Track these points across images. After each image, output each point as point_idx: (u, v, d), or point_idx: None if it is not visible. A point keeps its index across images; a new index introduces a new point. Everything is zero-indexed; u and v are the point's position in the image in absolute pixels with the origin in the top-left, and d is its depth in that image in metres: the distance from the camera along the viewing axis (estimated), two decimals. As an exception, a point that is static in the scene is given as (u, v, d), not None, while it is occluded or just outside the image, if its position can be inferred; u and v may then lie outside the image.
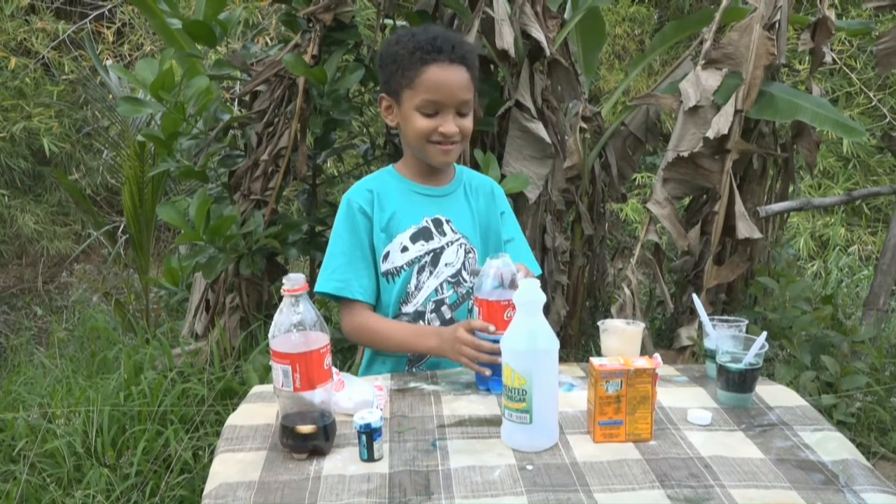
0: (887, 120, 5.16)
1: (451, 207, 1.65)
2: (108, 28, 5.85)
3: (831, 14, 3.02)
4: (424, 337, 1.53)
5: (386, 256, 1.60)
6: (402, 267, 1.60)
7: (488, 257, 1.43)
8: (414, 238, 1.60)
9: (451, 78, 1.51)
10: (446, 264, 1.62)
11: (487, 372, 1.40)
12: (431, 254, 1.61)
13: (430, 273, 1.60)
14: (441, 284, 1.61)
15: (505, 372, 1.19)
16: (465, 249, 1.64)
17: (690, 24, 3.47)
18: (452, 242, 1.62)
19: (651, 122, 3.59)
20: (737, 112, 2.83)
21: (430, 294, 1.61)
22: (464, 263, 1.63)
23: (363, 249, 1.60)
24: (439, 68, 1.50)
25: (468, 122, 1.56)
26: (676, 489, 1.08)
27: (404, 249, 1.59)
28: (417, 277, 1.60)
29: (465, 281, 1.64)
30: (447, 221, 1.63)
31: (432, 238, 1.61)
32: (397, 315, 1.62)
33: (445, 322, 1.62)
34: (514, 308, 1.25)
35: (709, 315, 1.50)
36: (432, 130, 1.53)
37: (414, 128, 1.54)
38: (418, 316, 1.62)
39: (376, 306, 1.63)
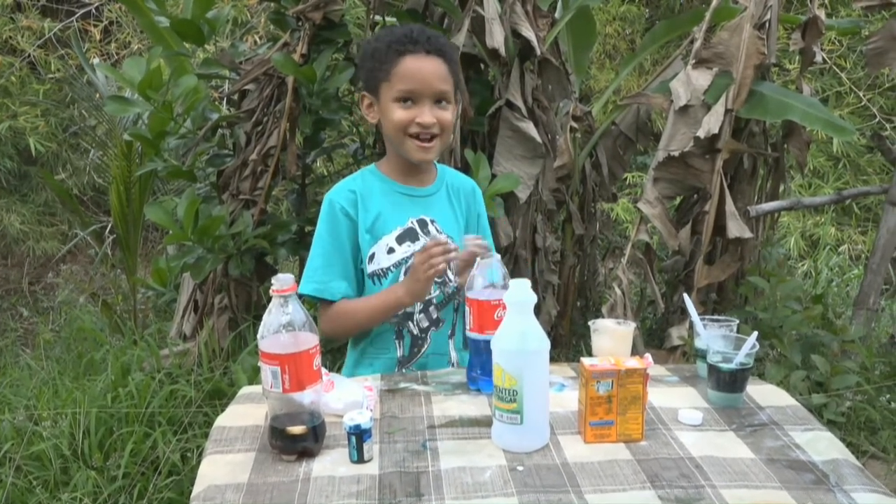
0: (877, 119, 5.18)
1: (435, 208, 1.65)
2: (95, 26, 5.79)
3: (821, 13, 3.03)
4: (391, 292, 1.55)
5: (372, 258, 1.60)
6: (388, 268, 1.60)
7: (478, 257, 1.43)
8: (400, 239, 1.60)
9: (426, 67, 1.51)
10: None
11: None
12: None
13: None
14: None
15: (495, 372, 1.19)
16: None
17: (681, 23, 3.48)
18: None
19: (642, 121, 3.59)
20: (727, 111, 2.83)
21: None
22: (448, 263, 1.62)
23: (343, 251, 1.60)
24: (414, 59, 1.51)
25: (447, 115, 1.55)
26: (667, 489, 1.08)
27: (390, 251, 1.60)
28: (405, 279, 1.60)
29: (451, 281, 1.64)
30: (432, 222, 1.64)
31: (418, 239, 1.61)
32: None
33: (433, 321, 1.63)
34: (504, 308, 1.24)
35: (699, 315, 1.50)
36: (409, 121, 1.53)
37: (391, 120, 1.54)
38: (406, 316, 1.62)
39: None
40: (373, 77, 1.55)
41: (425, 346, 1.65)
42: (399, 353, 1.64)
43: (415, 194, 1.64)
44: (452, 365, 1.67)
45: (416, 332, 1.64)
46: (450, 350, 1.68)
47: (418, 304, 1.60)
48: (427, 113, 1.52)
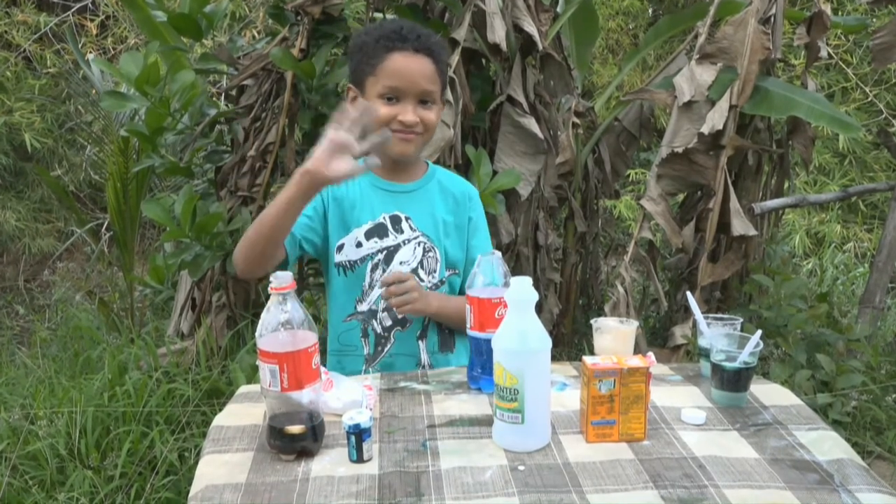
0: (883, 116, 5.15)
1: (413, 204, 1.63)
2: (92, 21, 5.78)
3: (827, 9, 3.01)
4: (287, 186, 1.37)
5: (340, 248, 1.60)
6: (355, 262, 1.60)
7: (479, 255, 1.41)
8: (368, 234, 1.60)
9: (413, 66, 1.50)
10: (401, 262, 1.60)
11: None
12: (385, 251, 1.60)
13: (384, 271, 1.59)
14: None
15: (496, 371, 1.17)
16: (423, 248, 1.62)
17: (685, 18, 3.47)
18: (410, 240, 1.61)
19: (645, 117, 3.58)
20: (731, 107, 2.82)
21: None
22: (421, 262, 1.61)
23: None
24: (402, 56, 1.50)
25: (431, 115, 1.54)
26: (670, 490, 1.07)
27: (359, 245, 1.59)
28: (371, 275, 1.60)
29: (423, 280, 1.61)
30: (406, 219, 1.62)
31: (387, 235, 1.60)
32: (353, 313, 1.62)
33: (397, 321, 1.62)
34: (505, 306, 1.23)
35: (703, 313, 1.49)
36: (391, 118, 1.51)
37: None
38: (371, 315, 1.61)
39: (328, 296, 1.66)
40: (359, 70, 1.55)
41: (389, 346, 1.63)
42: (366, 350, 1.63)
43: (393, 189, 1.63)
44: (423, 367, 1.64)
45: (379, 330, 1.63)
46: (420, 352, 1.65)
47: (382, 301, 1.59)
48: (410, 112, 1.51)
